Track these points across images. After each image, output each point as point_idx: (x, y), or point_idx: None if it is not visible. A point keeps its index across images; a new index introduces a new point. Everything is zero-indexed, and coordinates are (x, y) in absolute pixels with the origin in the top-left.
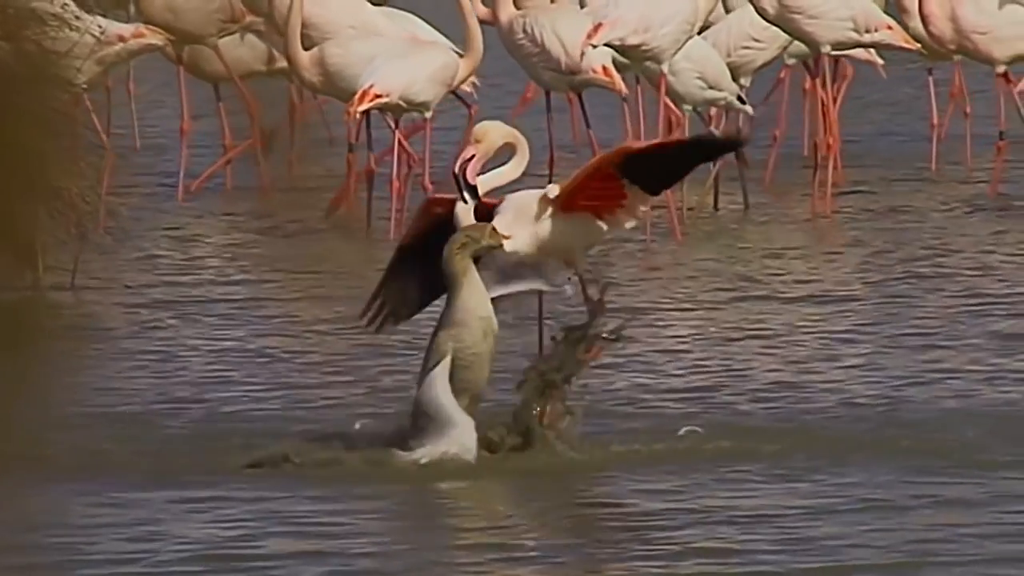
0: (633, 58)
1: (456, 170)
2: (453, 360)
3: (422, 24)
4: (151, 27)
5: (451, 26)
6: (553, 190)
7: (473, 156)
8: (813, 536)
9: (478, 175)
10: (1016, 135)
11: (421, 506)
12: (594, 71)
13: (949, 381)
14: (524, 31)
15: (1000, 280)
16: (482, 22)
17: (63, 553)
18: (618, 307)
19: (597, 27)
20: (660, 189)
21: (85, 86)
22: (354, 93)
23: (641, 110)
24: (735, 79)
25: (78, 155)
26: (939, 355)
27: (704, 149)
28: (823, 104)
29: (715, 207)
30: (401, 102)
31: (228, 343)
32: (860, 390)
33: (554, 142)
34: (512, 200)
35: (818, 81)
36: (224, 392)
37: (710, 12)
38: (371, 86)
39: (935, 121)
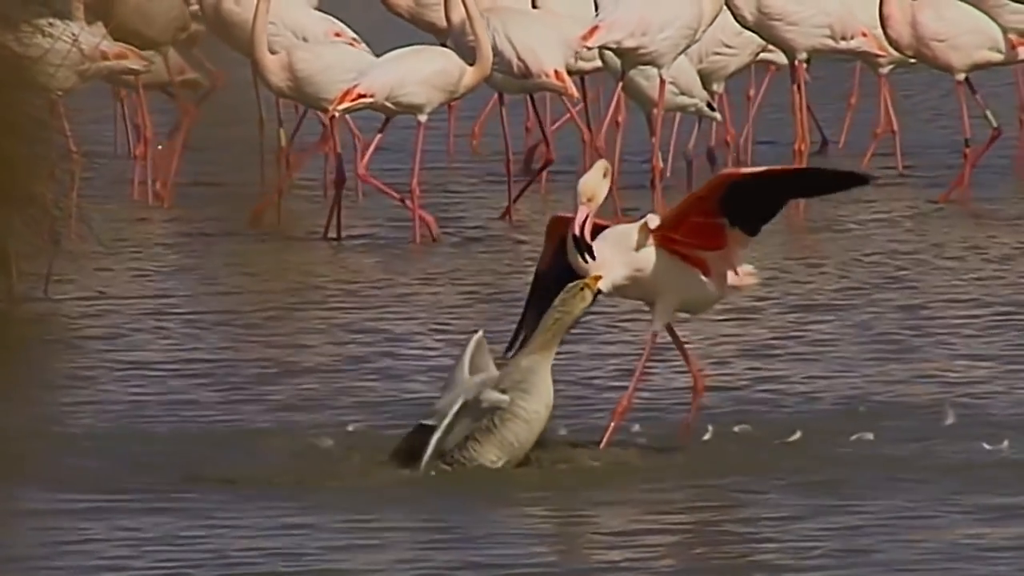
0: (631, 61)
1: (576, 233)
2: (510, 409)
3: (343, 27)
4: (132, 49)
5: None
6: (653, 220)
7: (587, 216)
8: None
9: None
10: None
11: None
12: (546, 75)
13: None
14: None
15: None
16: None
17: (34, 567)
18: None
19: (593, 29)
20: (759, 226)
21: (60, 93)
22: (322, 98)
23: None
24: (708, 85)
25: (52, 162)
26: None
27: (824, 181)
28: (797, 109)
29: None
30: (387, 103)
31: (204, 352)
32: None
33: (510, 148)
34: (611, 231)
35: (795, 87)
36: (199, 401)
37: (715, 17)
38: (355, 86)
39: (894, 128)
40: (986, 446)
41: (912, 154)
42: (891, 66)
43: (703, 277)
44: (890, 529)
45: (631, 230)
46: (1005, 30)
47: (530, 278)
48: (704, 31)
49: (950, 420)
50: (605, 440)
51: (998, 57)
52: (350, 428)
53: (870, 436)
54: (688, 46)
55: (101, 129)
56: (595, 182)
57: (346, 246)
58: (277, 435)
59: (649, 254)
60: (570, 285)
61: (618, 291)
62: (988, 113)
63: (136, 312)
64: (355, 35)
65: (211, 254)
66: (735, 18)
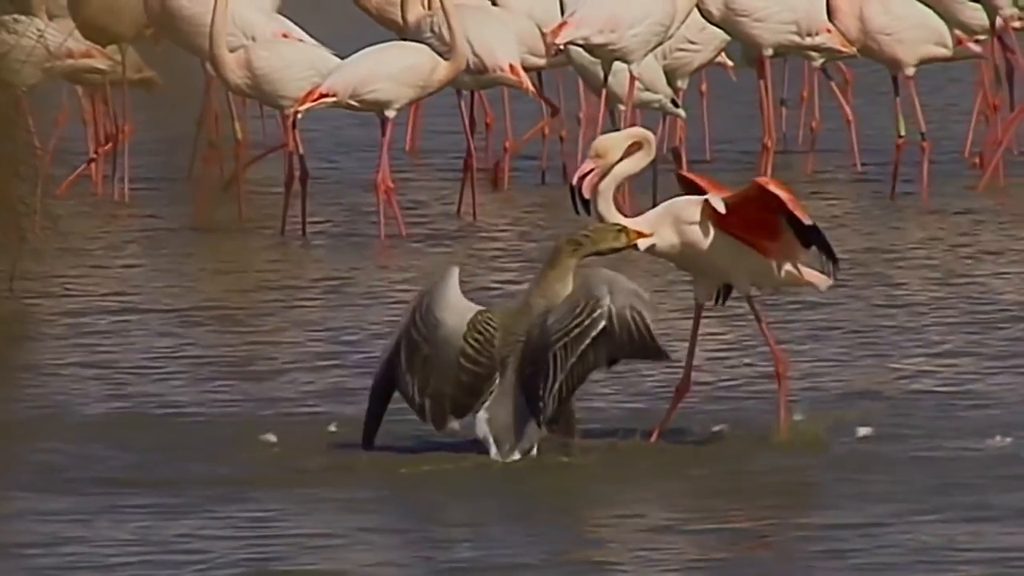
0: (601, 57)
1: (573, 182)
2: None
3: (292, 28)
4: (98, 49)
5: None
6: (717, 201)
7: (592, 170)
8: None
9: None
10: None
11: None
12: (501, 69)
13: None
14: (432, 31)
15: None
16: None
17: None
18: None
19: (561, 26)
20: (808, 244)
21: (24, 89)
22: (280, 95)
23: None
24: (672, 82)
25: (19, 158)
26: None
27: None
28: (763, 106)
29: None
30: (352, 101)
31: (170, 349)
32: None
33: (472, 144)
34: (676, 200)
35: (762, 82)
36: (168, 399)
37: (688, 13)
38: (318, 86)
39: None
40: (964, 445)
41: (869, 151)
42: (822, 60)
43: (764, 258)
44: (864, 529)
45: (693, 204)
46: (968, 27)
47: (495, 273)
48: (678, 28)
49: (926, 418)
50: (657, 431)
51: (945, 52)
52: (332, 428)
53: (850, 434)
54: (661, 42)
55: (70, 127)
56: (612, 141)
57: (311, 242)
58: (247, 432)
59: (706, 230)
60: (610, 223)
61: (668, 257)
62: (900, 120)
63: (102, 309)
64: (303, 37)
65: (176, 251)
66: (701, 14)
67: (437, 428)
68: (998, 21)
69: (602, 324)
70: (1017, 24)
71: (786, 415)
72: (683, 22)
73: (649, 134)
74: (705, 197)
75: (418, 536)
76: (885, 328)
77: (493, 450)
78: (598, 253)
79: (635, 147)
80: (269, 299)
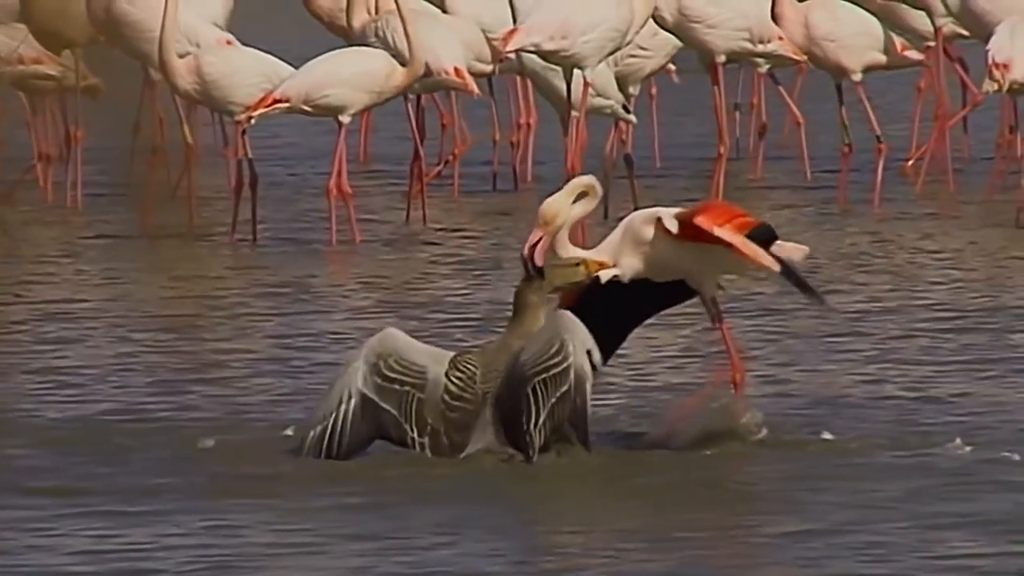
0: (555, 63)
1: (524, 253)
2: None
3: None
4: (49, 55)
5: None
6: (669, 220)
7: (540, 239)
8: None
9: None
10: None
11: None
12: (447, 72)
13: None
14: (377, 36)
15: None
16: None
17: None
18: None
19: (512, 32)
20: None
21: None
22: (229, 101)
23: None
24: (623, 88)
25: None
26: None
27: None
28: (717, 113)
29: (605, 216)
30: (306, 107)
31: (122, 356)
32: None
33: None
34: (626, 224)
35: (716, 88)
36: (117, 405)
37: (646, 20)
38: (271, 91)
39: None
40: (926, 451)
41: (821, 158)
42: (768, 65)
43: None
44: (828, 537)
45: (647, 223)
46: (920, 34)
47: (444, 280)
48: (636, 34)
49: (886, 424)
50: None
51: (887, 60)
52: (288, 432)
53: (813, 441)
54: (617, 49)
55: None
56: (557, 205)
57: (262, 248)
58: (202, 439)
59: (666, 245)
60: (568, 257)
61: (648, 276)
62: (845, 126)
63: (54, 317)
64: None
65: (127, 258)
66: (654, 20)
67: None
68: (941, 26)
69: (571, 378)
70: (947, 31)
71: (742, 423)
72: (641, 27)
73: (592, 181)
74: (657, 216)
75: (385, 544)
76: (843, 335)
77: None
78: (562, 289)
79: (580, 196)
80: (221, 305)
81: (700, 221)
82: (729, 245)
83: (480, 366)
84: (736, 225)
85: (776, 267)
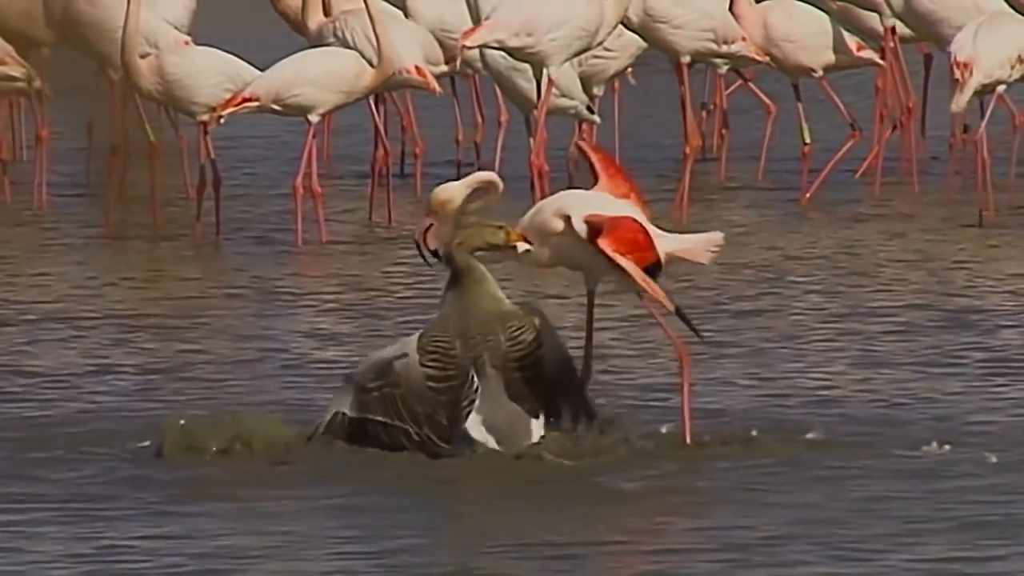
0: (520, 60)
1: (416, 237)
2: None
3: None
4: (14, 57)
5: None
6: (579, 225)
7: (431, 225)
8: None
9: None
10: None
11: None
12: (407, 71)
13: None
14: (335, 36)
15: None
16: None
17: None
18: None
19: (475, 28)
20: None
21: None
22: (192, 101)
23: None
24: (588, 88)
25: None
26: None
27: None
28: (684, 113)
29: None
30: (275, 106)
31: (90, 357)
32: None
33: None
34: (536, 210)
35: (683, 88)
36: (89, 408)
37: (618, 20)
38: (241, 90)
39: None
40: (902, 453)
41: (779, 159)
42: (727, 67)
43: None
44: (804, 540)
45: (556, 218)
46: (876, 33)
47: (410, 278)
48: (607, 33)
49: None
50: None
51: (843, 60)
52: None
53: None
54: (585, 48)
55: None
56: (450, 193)
57: (226, 248)
58: (173, 440)
59: (573, 243)
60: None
61: (550, 263)
62: (804, 127)
63: (17, 319)
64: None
65: (90, 258)
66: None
67: (446, 445)
68: (891, 26)
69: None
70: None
71: (689, 411)
72: (613, 28)
73: (494, 177)
74: (567, 215)
75: (366, 546)
76: (815, 339)
77: (493, 445)
78: (481, 249)
79: (481, 191)
80: (186, 305)
81: (604, 245)
82: (628, 274)
83: (455, 337)
84: (635, 259)
85: (671, 306)
